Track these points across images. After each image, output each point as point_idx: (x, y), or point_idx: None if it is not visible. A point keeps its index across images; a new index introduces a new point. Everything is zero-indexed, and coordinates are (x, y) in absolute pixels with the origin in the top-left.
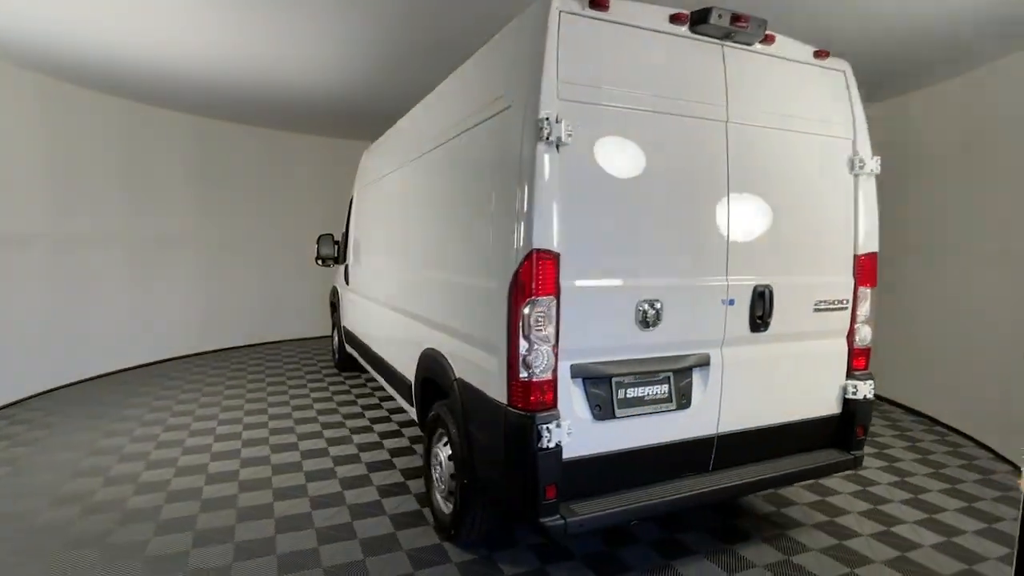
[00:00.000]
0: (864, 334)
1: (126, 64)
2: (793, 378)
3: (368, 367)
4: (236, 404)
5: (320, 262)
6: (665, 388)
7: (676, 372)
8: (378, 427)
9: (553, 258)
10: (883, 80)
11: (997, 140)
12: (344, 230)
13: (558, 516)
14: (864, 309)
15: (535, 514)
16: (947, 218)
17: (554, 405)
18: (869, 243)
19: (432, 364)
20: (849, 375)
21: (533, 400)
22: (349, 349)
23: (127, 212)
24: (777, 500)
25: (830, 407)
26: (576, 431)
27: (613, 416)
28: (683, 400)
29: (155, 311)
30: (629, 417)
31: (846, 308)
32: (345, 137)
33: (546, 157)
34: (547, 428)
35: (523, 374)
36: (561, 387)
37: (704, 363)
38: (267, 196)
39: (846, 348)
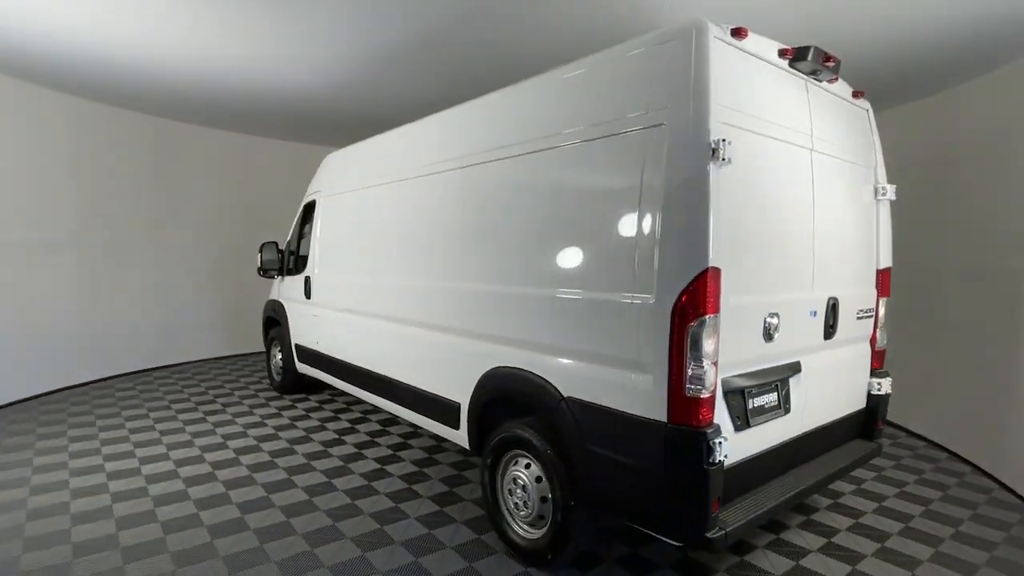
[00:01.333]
0: (881, 338)
1: (79, 59)
2: (842, 379)
3: (350, 388)
4: (183, 439)
5: (263, 273)
6: (775, 396)
7: (781, 380)
8: (369, 452)
9: (720, 276)
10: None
11: (986, 152)
12: (295, 239)
13: (718, 528)
14: (882, 316)
15: (701, 528)
16: (931, 234)
17: (713, 420)
18: (886, 259)
19: (512, 384)
20: (872, 374)
21: (700, 417)
22: (303, 368)
23: (78, 217)
24: None
25: (860, 403)
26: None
27: (748, 426)
28: (787, 405)
29: (102, 325)
30: (758, 425)
31: (871, 316)
32: (303, 141)
33: (716, 178)
34: (718, 443)
35: (690, 391)
36: (717, 402)
37: (797, 370)
38: (227, 201)
39: (870, 350)
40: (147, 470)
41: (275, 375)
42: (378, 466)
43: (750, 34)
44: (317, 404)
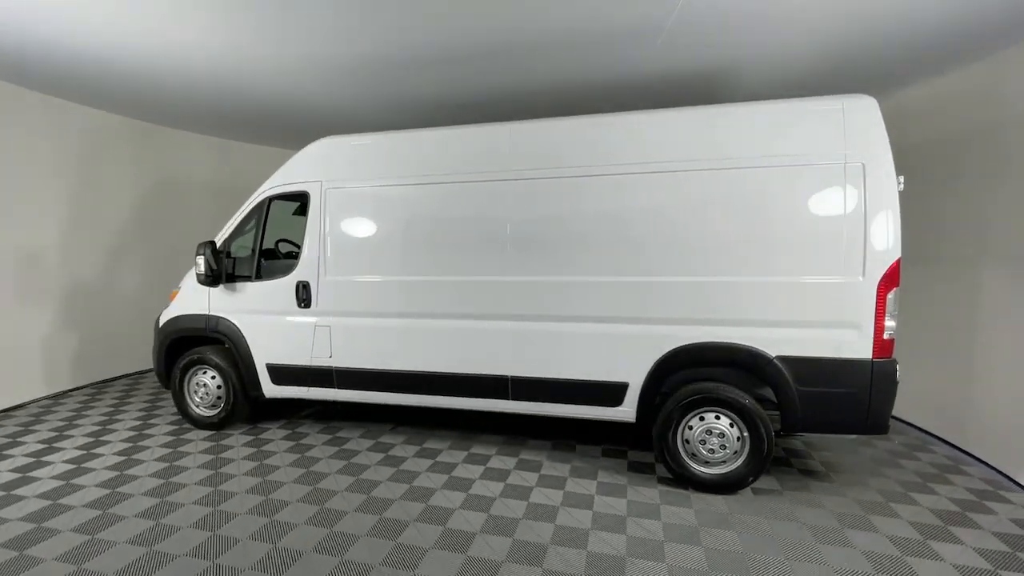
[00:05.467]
0: None
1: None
2: None
3: (402, 399)
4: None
5: (208, 280)
6: None
7: None
8: (450, 454)
9: None
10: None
11: (964, 146)
12: (248, 240)
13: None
14: None
15: (887, 422)
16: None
17: None
18: None
19: (718, 354)
20: None
21: (891, 351)
22: (278, 392)
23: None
24: None
25: None
26: None
27: None
28: None
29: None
30: None
31: None
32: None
33: (899, 200)
34: (898, 367)
35: (886, 335)
36: None
37: None
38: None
39: None
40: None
41: (202, 410)
42: (503, 466)
43: None
44: (290, 428)
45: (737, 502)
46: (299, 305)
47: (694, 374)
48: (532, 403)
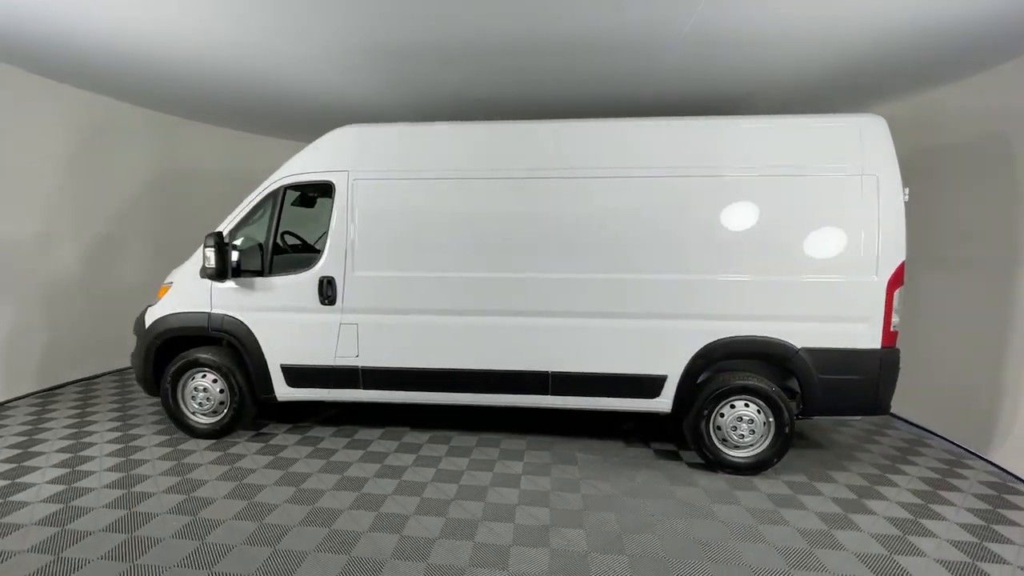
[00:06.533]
0: None
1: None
2: None
3: (429, 397)
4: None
5: (217, 276)
6: None
7: None
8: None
9: None
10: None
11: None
12: (259, 233)
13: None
14: None
15: (889, 404)
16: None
17: None
18: None
19: (751, 347)
20: None
21: (895, 342)
22: (294, 394)
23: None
24: None
25: None
26: None
27: None
28: None
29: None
30: None
31: None
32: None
33: (905, 210)
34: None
35: (893, 327)
36: None
37: None
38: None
39: None
40: None
41: (200, 418)
42: (540, 460)
43: None
44: (298, 434)
45: (764, 481)
46: (322, 302)
47: (726, 366)
48: (572, 398)
